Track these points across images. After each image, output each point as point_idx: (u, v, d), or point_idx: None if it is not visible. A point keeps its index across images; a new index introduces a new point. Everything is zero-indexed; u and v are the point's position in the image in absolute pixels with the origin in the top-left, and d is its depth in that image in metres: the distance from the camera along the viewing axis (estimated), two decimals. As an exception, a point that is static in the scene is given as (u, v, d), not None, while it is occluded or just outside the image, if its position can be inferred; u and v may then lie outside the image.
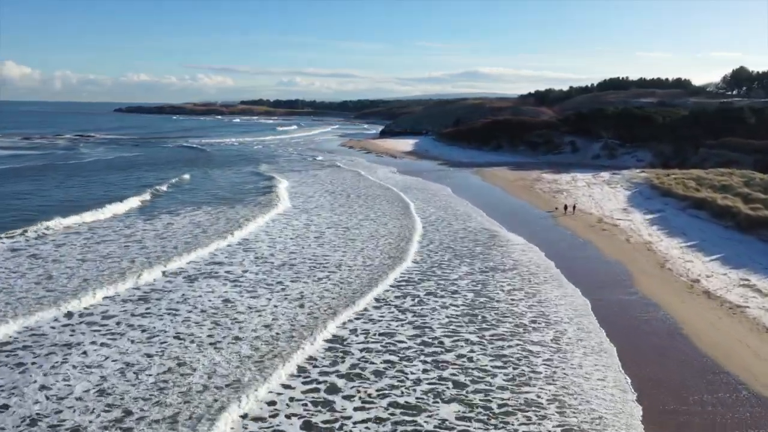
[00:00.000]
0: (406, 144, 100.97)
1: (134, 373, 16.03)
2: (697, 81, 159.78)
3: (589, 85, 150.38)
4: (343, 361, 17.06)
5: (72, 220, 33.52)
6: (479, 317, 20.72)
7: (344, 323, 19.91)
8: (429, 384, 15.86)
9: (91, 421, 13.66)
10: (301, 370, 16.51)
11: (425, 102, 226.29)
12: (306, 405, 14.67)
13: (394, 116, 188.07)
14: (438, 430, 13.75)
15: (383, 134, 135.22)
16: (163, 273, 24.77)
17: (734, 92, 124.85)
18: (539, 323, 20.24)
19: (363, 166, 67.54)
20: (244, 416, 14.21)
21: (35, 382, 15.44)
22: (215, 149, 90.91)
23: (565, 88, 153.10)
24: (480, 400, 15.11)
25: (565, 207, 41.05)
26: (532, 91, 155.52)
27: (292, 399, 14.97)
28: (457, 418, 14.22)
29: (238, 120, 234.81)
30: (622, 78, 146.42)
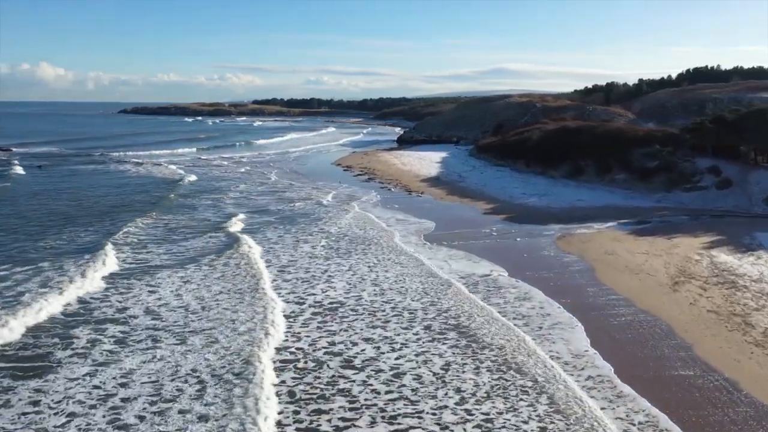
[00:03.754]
0: (430, 162, 70.11)
1: None
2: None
3: (665, 77, 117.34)
4: None
5: None
6: None
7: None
8: None
9: None
10: None
11: (453, 100, 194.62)
12: None
13: (418, 116, 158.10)
14: None
15: (401, 143, 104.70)
16: None
17: None
18: None
19: (357, 225, 37.28)
20: None
21: None
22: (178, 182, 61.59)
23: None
24: None
25: None
26: (590, 86, 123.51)
27: None
28: None
29: (259, 123, 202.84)
30: (712, 67, 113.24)
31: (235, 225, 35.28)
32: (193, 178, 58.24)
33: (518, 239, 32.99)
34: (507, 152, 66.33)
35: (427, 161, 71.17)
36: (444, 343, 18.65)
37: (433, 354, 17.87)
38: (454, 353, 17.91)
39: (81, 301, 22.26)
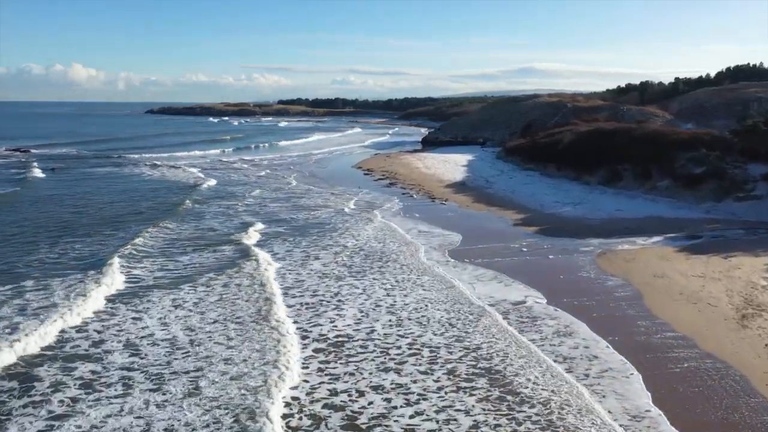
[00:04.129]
0: (455, 166, 66.85)
1: None
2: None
3: (703, 75, 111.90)
4: None
5: None
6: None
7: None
8: None
9: None
10: None
11: (480, 100, 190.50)
12: None
13: (443, 117, 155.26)
14: None
15: (425, 144, 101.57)
16: None
17: None
18: None
19: (376, 238, 34.29)
20: None
21: None
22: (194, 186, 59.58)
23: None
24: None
25: None
26: (622, 85, 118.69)
27: None
28: None
29: (284, 124, 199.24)
30: (755, 65, 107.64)
31: (246, 237, 32.50)
32: (211, 183, 55.74)
33: (551, 256, 29.57)
34: (537, 155, 62.76)
35: (451, 164, 67.90)
36: (472, 395, 15.50)
37: (457, 410, 14.74)
38: (484, 409, 14.75)
39: (59, 330, 19.65)
